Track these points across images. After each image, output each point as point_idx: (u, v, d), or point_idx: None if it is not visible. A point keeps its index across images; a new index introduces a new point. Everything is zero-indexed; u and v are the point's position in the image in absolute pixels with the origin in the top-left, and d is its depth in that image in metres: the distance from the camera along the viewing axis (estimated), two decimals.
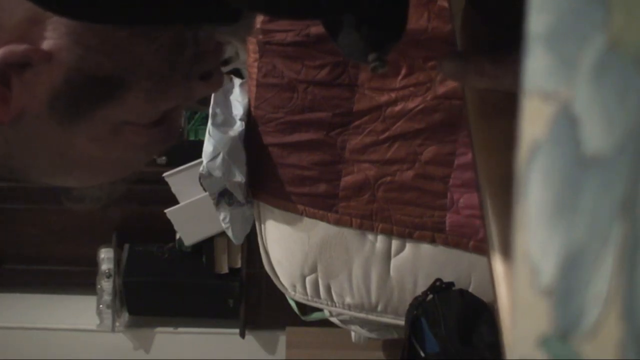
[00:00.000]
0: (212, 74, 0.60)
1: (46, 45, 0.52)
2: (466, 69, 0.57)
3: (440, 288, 1.75)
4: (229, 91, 1.91)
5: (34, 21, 0.52)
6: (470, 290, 1.78)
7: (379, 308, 1.85)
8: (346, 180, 1.79)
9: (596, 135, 0.22)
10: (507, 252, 0.52)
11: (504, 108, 0.58)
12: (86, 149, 0.58)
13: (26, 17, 0.52)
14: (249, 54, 1.80)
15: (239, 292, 2.62)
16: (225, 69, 1.87)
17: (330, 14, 0.57)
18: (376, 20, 0.55)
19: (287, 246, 1.87)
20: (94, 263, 2.70)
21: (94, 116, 0.56)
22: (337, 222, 1.82)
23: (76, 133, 0.56)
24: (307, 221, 1.84)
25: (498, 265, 0.53)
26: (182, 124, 2.48)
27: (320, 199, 1.81)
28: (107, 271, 2.67)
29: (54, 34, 0.52)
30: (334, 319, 2.00)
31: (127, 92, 0.55)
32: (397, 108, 1.73)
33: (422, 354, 1.74)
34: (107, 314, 2.71)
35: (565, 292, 0.23)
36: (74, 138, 0.57)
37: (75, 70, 0.53)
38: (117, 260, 2.67)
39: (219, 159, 1.78)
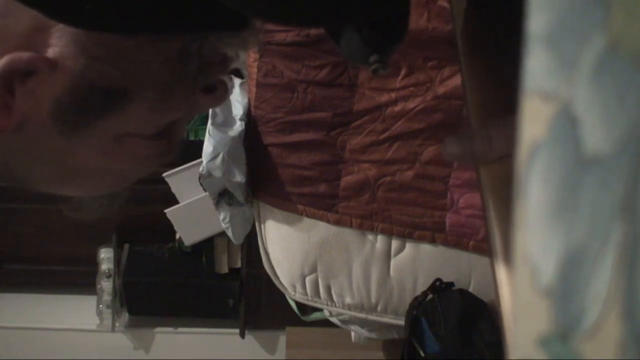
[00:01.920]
0: (217, 87, 0.60)
1: (51, 53, 0.52)
2: (472, 147, 0.55)
3: (440, 288, 1.75)
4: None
5: (39, 29, 0.52)
6: (470, 290, 1.78)
7: (379, 308, 1.85)
8: (346, 180, 1.79)
9: (596, 135, 0.22)
10: (509, 256, 0.52)
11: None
12: (87, 158, 0.57)
13: (32, 24, 0.52)
14: (248, 54, 1.80)
15: (239, 292, 2.62)
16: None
17: (331, 23, 0.57)
18: (378, 22, 0.55)
19: (287, 246, 1.87)
20: (94, 263, 2.70)
21: (97, 126, 0.55)
22: (337, 222, 1.81)
23: (78, 142, 0.56)
24: (307, 221, 1.84)
25: (501, 269, 0.53)
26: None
27: (320, 199, 1.81)
28: (107, 271, 2.67)
29: (59, 42, 0.52)
30: (334, 319, 2.00)
31: (130, 103, 0.55)
32: (397, 108, 1.73)
33: (422, 354, 1.74)
34: (107, 314, 2.71)
35: (565, 292, 0.23)
36: (75, 147, 0.56)
37: (80, 79, 0.53)
38: (117, 260, 2.67)
39: (219, 159, 1.78)
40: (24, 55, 0.51)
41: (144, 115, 0.56)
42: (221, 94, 0.60)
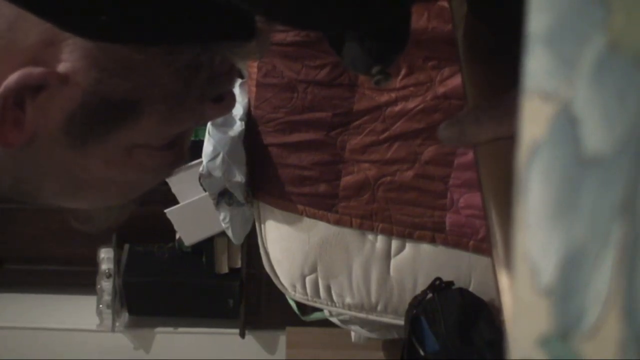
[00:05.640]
0: (225, 97, 0.60)
1: (62, 67, 0.51)
2: (464, 128, 0.55)
3: (440, 287, 1.75)
4: None
5: (49, 43, 0.51)
6: (470, 289, 1.78)
7: (379, 308, 1.85)
8: (346, 180, 1.79)
9: (596, 135, 0.22)
10: (510, 256, 0.52)
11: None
12: (98, 171, 0.57)
13: (41, 38, 0.51)
14: None
15: (239, 292, 2.62)
16: None
17: (333, 29, 0.57)
18: (379, 32, 0.55)
19: (287, 246, 1.87)
20: (94, 263, 2.70)
21: (108, 139, 0.55)
22: (337, 222, 1.82)
23: (89, 156, 0.56)
24: (307, 221, 1.84)
25: (502, 270, 0.52)
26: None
27: (320, 199, 1.81)
28: (107, 271, 2.68)
29: (70, 57, 0.51)
30: (334, 319, 2.00)
31: (141, 115, 0.55)
32: (397, 108, 1.73)
33: (422, 353, 1.74)
34: (107, 314, 2.71)
35: (565, 292, 0.23)
36: (86, 160, 0.56)
37: (91, 93, 0.53)
38: (117, 260, 2.67)
39: (219, 159, 1.78)
40: (35, 70, 0.51)
41: (155, 126, 0.56)
42: (229, 104, 0.60)
